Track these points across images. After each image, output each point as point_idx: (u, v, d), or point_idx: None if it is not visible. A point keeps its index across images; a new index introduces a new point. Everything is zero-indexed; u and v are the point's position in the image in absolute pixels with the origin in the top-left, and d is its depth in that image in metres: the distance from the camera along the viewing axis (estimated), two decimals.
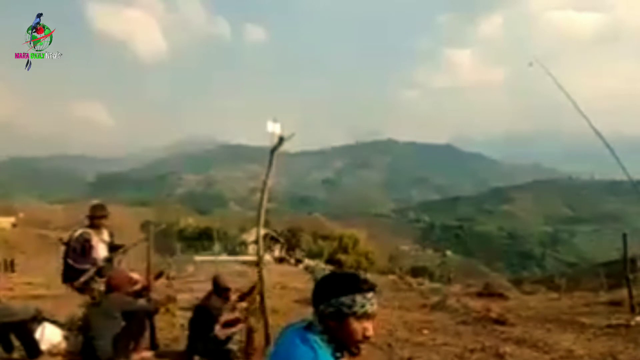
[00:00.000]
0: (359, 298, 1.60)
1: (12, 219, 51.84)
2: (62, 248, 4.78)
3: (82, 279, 4.29)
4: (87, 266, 4.32)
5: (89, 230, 4.48)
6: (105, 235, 4.66)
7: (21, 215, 56.11)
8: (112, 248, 4.72)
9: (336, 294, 1.62)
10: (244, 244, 50.23)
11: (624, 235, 9.24)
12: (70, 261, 4.23)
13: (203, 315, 4.37)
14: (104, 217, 4.74)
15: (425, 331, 6.94)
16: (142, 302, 4.40)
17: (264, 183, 5.15)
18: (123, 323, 3.98)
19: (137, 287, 4.75)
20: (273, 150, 5.18)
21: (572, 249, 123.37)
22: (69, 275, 4.36)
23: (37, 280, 17.27)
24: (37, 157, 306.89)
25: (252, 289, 4.61)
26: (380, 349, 5.65)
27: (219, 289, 4.58)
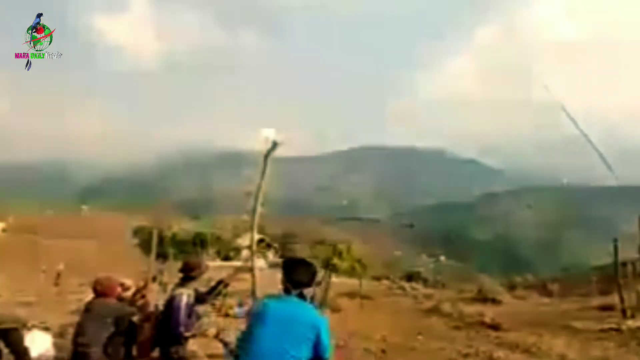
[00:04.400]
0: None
1: (2, 224, 51.17)
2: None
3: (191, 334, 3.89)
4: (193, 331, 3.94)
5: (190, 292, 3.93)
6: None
7: (11, 220, 55.35)
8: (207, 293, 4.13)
9: (314, 277, 2.51)
10: (238, 249, 49.98)
11: (615, 241, 9.34)
12: (182, 329, 3.74)
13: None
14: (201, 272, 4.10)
15: (420, 336, 6.94)
16: (133, 308, 4.35)
17: (258, 188, 5.14)
18: (113, 329, 3.93)
19: (129, 293, 4.70)
20: (267, 155, 5.18)
21: (564, 254, 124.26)
22: (168, 342, 3.84)
23: (26, 287, 17.02)
24: (29, 161, 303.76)
25: (219, 282, 4.43)
26: (374, 355, 5.64)
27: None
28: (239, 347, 2.50)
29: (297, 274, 2.47)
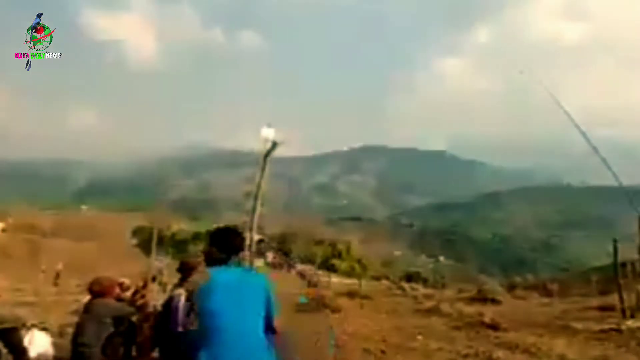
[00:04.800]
0: None
1: (1, 224, 51.11)
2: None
3: None
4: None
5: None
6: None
7: (10, 220, 55.30)
8: None
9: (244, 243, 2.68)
10: None
11: (615, 241, 9.33)
12: (180, 329, 3.70)
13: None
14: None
15: (419, 336, 6.94)
16: (132, 308, 4.34)
17: (258, 188, 5.14)
18: (112, 329, 3.92)
19: (128, 293, 4.69)
20: (267, 155, 5.18)
21: (564, 254, 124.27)
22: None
23: (26, 287, 17.00)
24: (28, 161, 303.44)
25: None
26: (373, 355, 5.63)
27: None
28: (200, 330, 2.33)
29: (232, 241, 2.53)
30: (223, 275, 2.41)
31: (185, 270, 4.03)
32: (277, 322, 2.47)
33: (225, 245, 2.52)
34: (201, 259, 4.23)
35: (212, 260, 2.53)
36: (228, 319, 2.27)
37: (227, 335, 2.25)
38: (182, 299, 3.83)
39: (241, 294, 2.35)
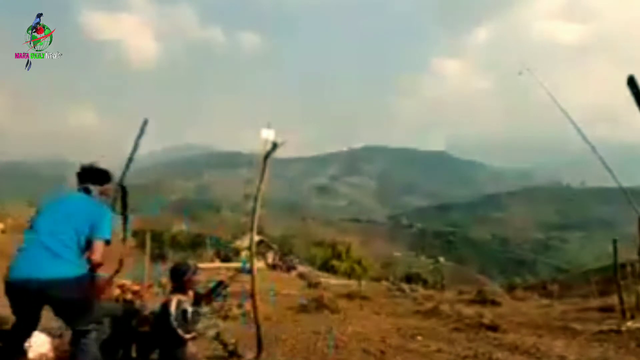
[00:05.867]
0: None
1: (0, 225, 51.03)
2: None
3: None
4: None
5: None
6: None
7: (10, 220, 55.24)
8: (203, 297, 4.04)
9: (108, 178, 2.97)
10: (237, 250, 49.91)
11: (614, 242, 9.34)
12: (180, 331, 3.70)
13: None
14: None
15: (419, 338, 6.94)
16: (131, 308, 4.34)
17: (258, 189, 5.13)
18: (110, 330, 3.92)
19: (130, 295, 4.70)
20: (267, 156, 5.18)
21: (564, 255, 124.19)
22: None
23: None
24: (27, 162, 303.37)
25: (219, 283, 4.34)
26: (373, 356, 5.63)
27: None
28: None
29: (89, 173, 2.91)
30: (55, 197, 2.84)
31: (178, 277, 4.00)
32: (98, 247, 2.67)
33: (82, 176, 2.91)
34: (193, 263, 4.27)
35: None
36: (39, 231, 2.59)
37: (32, 246, 2.59)
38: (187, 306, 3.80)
39: (60, 210, 2.65)
